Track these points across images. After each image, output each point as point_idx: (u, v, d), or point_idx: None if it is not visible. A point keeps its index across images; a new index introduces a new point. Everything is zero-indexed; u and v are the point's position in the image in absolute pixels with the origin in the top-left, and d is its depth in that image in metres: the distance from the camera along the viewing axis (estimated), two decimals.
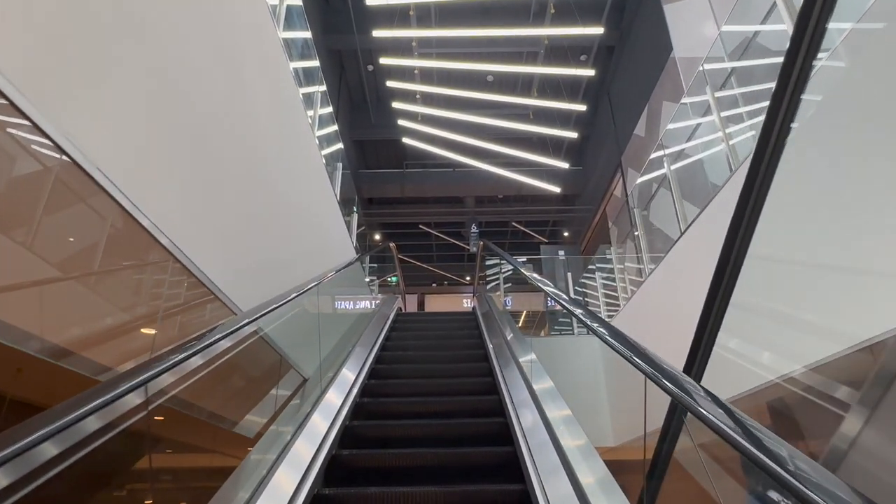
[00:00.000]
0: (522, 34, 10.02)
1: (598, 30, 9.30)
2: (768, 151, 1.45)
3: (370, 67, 11.58)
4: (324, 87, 6.32)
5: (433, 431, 2.83)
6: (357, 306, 5.98)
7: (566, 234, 15.71)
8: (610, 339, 1.91)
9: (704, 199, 4.18)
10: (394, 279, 10.59)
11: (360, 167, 13.75)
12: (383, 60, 9.84)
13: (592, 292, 8.46)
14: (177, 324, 2.78)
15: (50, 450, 0.94)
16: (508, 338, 4.09)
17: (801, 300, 2.51)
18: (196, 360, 1.68)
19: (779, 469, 0.87)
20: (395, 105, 10.98)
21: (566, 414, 2.60)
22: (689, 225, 4.40)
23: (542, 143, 12.69)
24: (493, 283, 8.27)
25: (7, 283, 1.81)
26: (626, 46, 10.28)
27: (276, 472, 2.01)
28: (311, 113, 5.52)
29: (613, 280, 7.82)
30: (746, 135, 3.99)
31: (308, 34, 5.76)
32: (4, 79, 1.65)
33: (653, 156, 6.08)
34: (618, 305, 7.27)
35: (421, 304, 18.13)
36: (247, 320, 1.99)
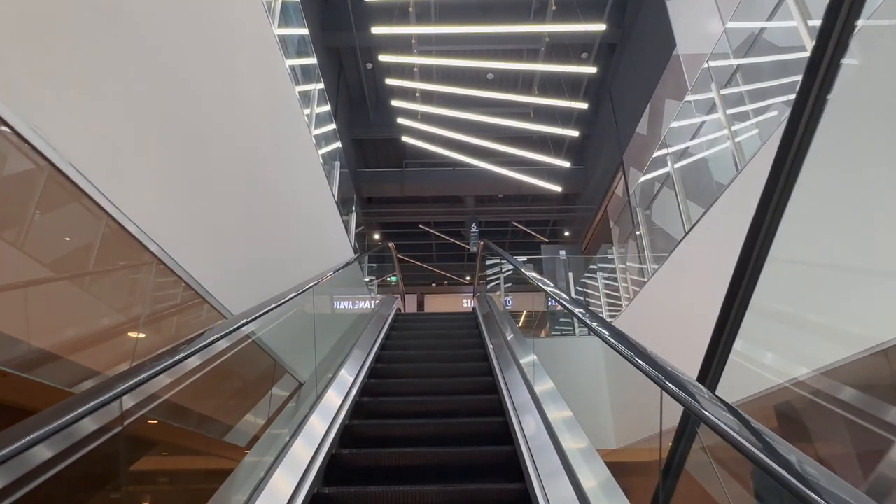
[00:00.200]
0: (523, 31, 9.90)
1: (600, 26, 9.20)
2: (792, 151, 1.37)
3: (369, 65, 11.48)
4: (321, 85, 6.23)
5: (433, 431, 2.83)
6: (355, 307, 5.91)
7: (567, 233, 15.61)
8: (611, 339, 1.86)
9: (709, 198, 4.10)
10: (393, 279, 10.51)
11: (359, 166, 13.65)
12: (382, 58, 9.74)
13: (594, 292, 8.39)
14: (161, 328, 2.70)
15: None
16: (509, 338, 4.06)
17: (813, 302, 2.43)
18: (181, 369, 1.59)
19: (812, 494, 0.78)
20: (395, 103, 10.89)
21: (567, 415, 2.59)
22: (694, 224, 4.33)
23: (542, 142, 12.60)
24: (494, 283, 8.20)
25: None
26: (628, 43, 10.18)
27: (275, 471, 2.00)
28: (307, 111, 5.43)
29: (615, 280, 7.75)
30: (752, 132, 3.91)
31: (305, 31, 5.67)
32: None
33: (655, 154, 6.00)
34: (620, 306, 7.20)
35: (420, 305, 18.05)
36: (236, 325, 1.90)
